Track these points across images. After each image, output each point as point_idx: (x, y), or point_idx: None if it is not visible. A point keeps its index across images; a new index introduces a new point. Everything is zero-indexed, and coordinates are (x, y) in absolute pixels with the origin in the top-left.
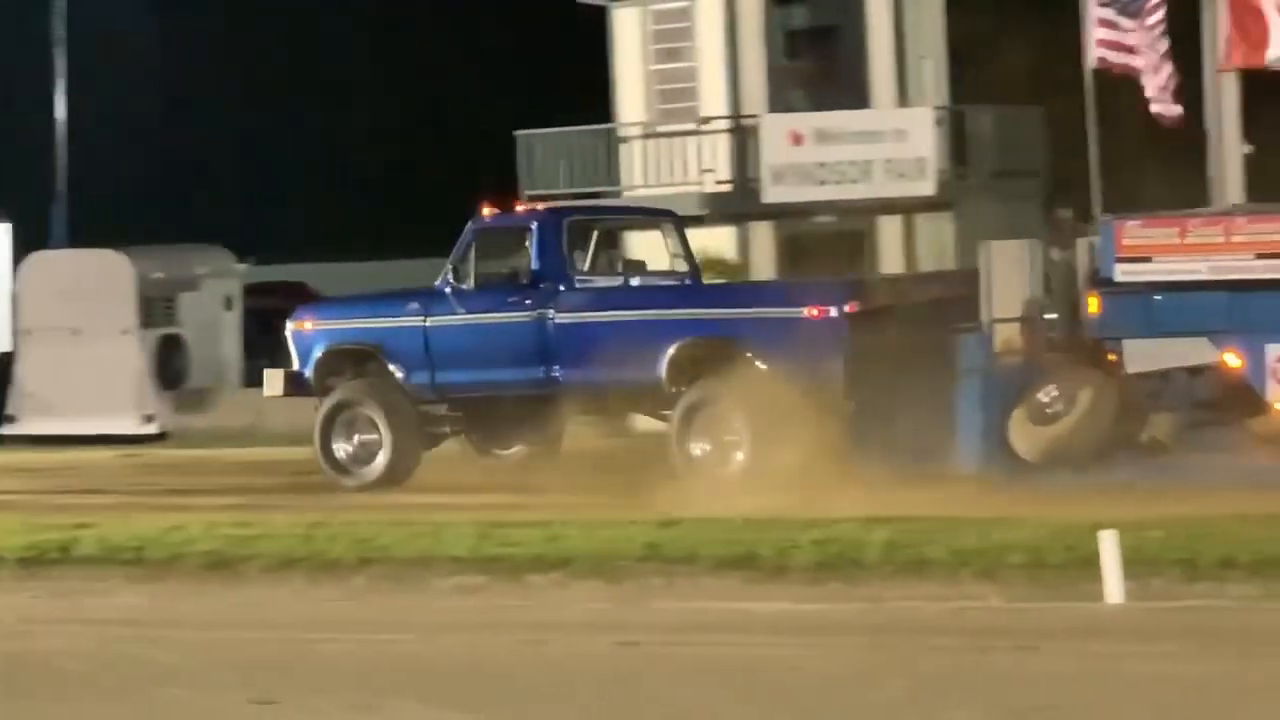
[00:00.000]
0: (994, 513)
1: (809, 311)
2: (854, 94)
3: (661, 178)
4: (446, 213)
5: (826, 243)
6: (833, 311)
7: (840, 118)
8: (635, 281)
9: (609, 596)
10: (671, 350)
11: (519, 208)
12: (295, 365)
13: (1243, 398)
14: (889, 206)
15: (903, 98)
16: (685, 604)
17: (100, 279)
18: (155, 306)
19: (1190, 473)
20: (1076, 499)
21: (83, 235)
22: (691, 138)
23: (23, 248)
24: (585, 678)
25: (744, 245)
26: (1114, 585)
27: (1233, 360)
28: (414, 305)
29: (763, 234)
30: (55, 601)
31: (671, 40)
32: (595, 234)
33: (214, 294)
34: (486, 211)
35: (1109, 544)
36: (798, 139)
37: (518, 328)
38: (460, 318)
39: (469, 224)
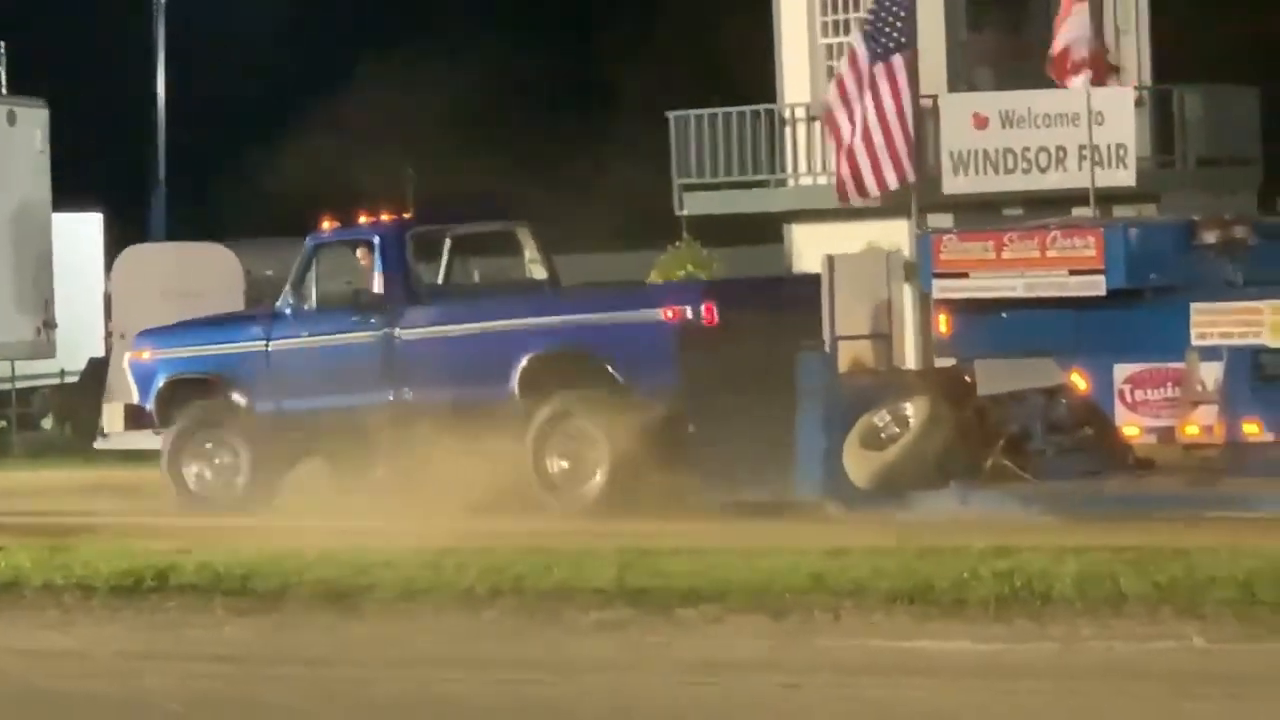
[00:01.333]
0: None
1: (663, 314)
2: (1041, 72)
3: (829, 165)
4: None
5: None
6: (688, 315)
7: (1030, 98)
8: (488, 292)
9: (770, 633)
10: (523, 363)
11: (361, 219)
12: (135, 398)
13: (1094, 420)
14: (1084, 198)
15: (1114, 65)
16: (854, 642)
17: (204, 275)
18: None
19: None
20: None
21: (183, 227)
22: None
23: (117, 241)
24: None
25: None
26: None
27: (1079, 381)
28: (255, 329)
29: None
30: (152, 634)
31: (842, 10)
32: (447, 244)
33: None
34: (325, 225)
35: None
36: (982, 122)
37: (362, 348)
38: (302, 340)
39: (307, 239)
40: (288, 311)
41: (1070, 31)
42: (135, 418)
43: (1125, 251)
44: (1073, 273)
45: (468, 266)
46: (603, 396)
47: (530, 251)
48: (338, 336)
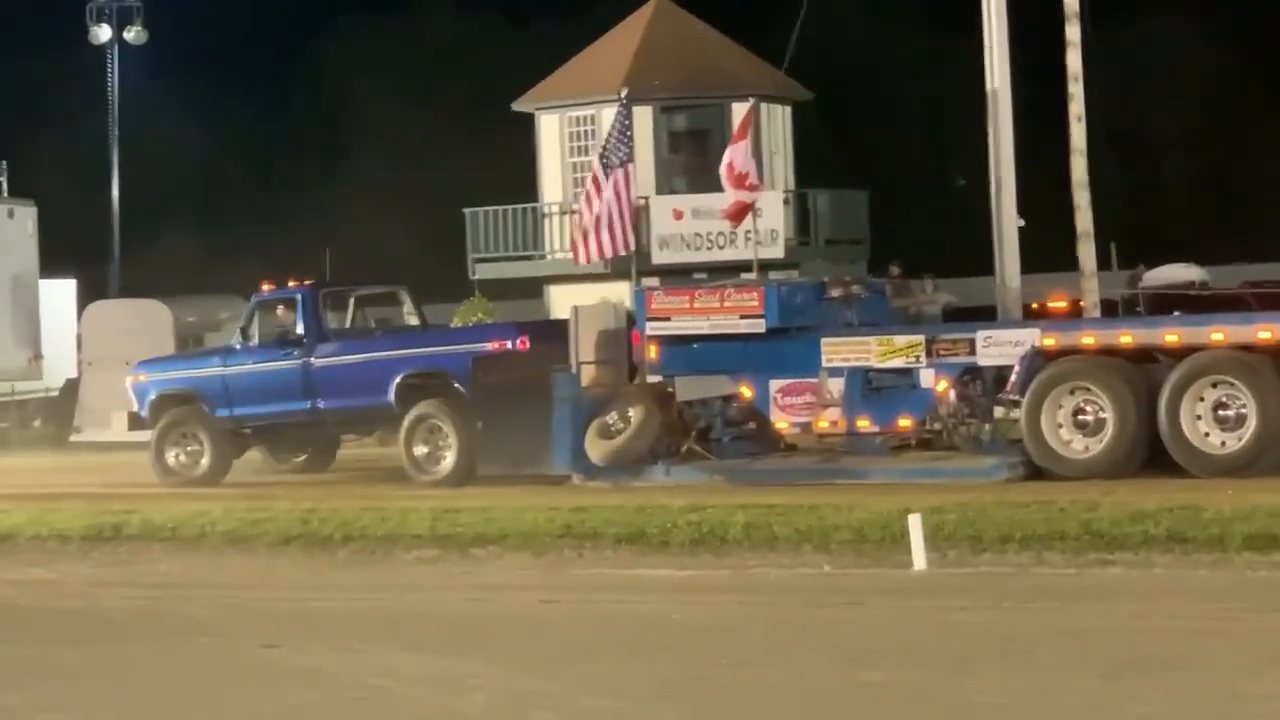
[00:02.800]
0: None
1: (492, 346)
2: (720, 180)
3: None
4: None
5: None
6: (508, 346)
7: (711, 199)
8: (377, 334)
9: (534, 565)
10: (397, 380)
11: (290, 283)
12: (135, 408)
13: (756, 418)
14: (749, 266)
15: (760, 183)
16: (592, 571)
17: (145, 322)
18: (188, 342)
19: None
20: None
21: (132, 288)
22: None
23: (85, 298)
24: (517, 627)
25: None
26: (919, 555)
27: (746, 392)
28: (216, 360)
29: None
30: (110, 569)
31: (582, 139)
32: (351, 300)
33: (233, 333)
34: (265, 287)
35: (915, 524)
36: (679, 215)
37: (289, 372)
38: (249, 367)
39: (253, 297)
40: (238, 347)
41: (738, 155)
42: (135, 421)
43: (778, 302)
44: (742, 317)
45: (365, 315)
46: (451, 403)
47: (407, 305)
48: (272, 364)
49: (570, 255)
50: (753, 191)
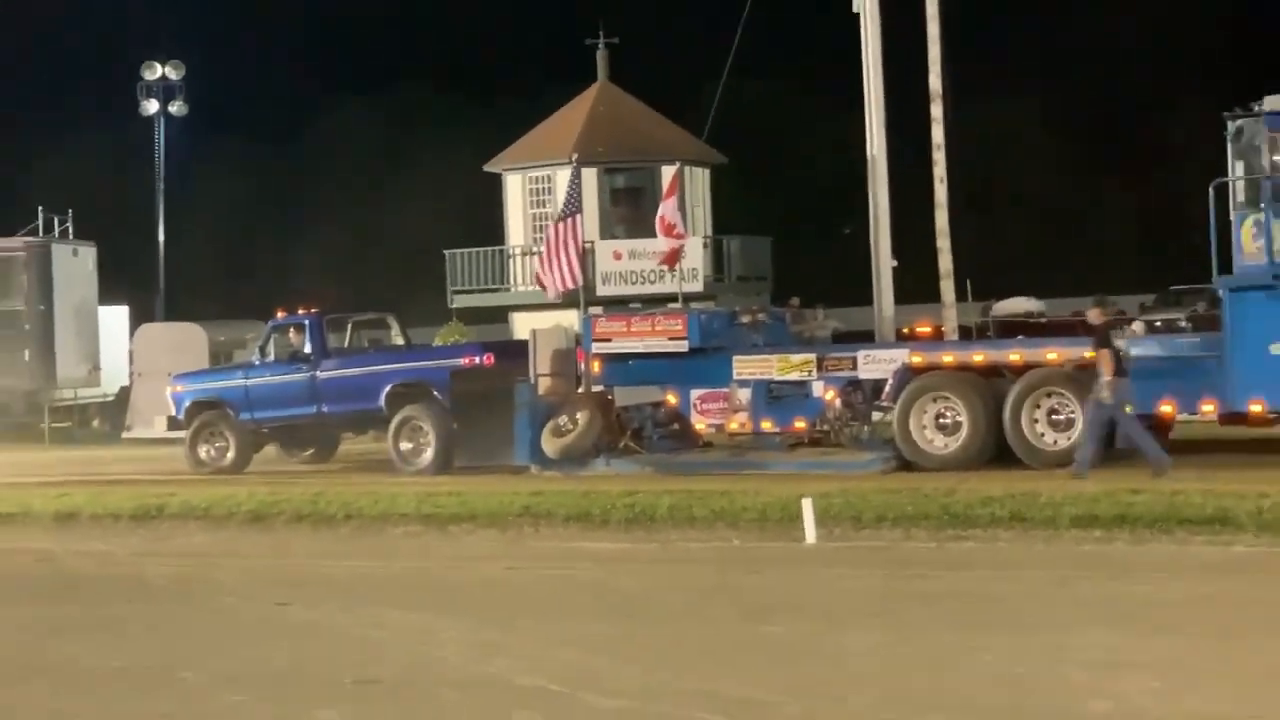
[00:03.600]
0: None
1: (465, 361)
2: (653, 228)
3: (534, 281)
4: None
5: None
6: (478, 361)
7: (645, 243)
8: (370, 352)
9: (500, 539)
10: (387, 389)
11: (300, 311)
12: (173, 412)
13: (679, 420)
14: (674, 297)
15: (685, 231)
16: (547, 544)
17: (185, 341)
18: (220, 358)
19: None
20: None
21: (174, 313)
22: None
23: (136, 321)
24: (485, 589)
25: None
26: (810, 532)
27: (672, 399)
28: (239, 373)
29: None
30: (153, 542)
31: (541, 194)
32: (349, 325)
33: (254, 351)
34: (279, 314)
35: (808, 505)
36: (618, 256)
37: (299, 383)
38: (266, 379)
39: (269, 322)
40: (257, 363)
41: (668, 209)
42: (173, 423)
43: (698, 327)
44: (669, 339)
45: (360, 337)
46: (431, 408)
47: (395, 329)
48: (285, 377)
49: (531, 288)
50: (679, 239)
